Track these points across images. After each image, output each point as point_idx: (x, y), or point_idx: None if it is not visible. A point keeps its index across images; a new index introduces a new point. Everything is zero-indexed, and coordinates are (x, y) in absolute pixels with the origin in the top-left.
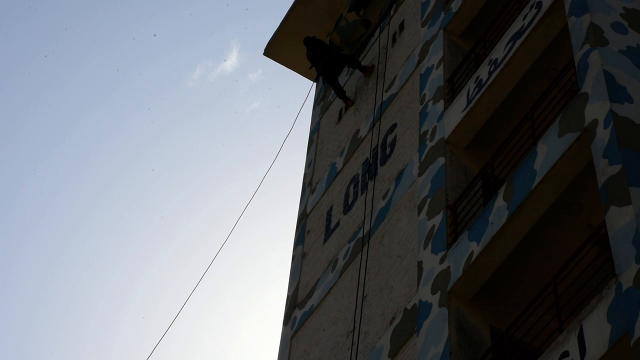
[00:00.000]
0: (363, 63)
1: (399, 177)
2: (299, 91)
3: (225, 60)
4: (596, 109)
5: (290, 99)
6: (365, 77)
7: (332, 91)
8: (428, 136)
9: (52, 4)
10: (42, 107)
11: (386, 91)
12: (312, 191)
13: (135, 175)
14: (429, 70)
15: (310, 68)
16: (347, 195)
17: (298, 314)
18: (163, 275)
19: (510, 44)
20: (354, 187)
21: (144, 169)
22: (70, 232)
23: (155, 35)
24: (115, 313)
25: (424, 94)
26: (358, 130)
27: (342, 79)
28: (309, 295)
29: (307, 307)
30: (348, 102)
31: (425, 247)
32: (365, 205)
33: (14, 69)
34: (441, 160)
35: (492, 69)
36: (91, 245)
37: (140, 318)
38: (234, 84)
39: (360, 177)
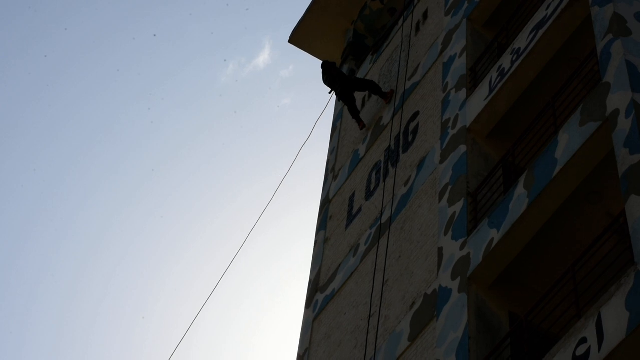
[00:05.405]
0: (385, 53)
1: (420, 165)
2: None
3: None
4: (618, 99)
5: (320, 94)
6: (386, 103)
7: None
8: (450, 124)
9: (53, 3)
10: (45, 109)
11: (409, 79)
12: (335, 177)
13: (158, 174)
14: (451, 59)
15: (329, 93)
16: (369, 181)
17: (320, 297)
18: (190, 267)
19: (533, 33)
20: (376, 174)
21: (170, 167)
22: (99, 234)
23: (155, 35)
24: (142, 307)
25: (447, 83)
26: (381, 118)
27: (365, 66)
28: (331, 279)
29: (328, 291)
30: (360, 125)
31: (445, 234)
32: (385, 191)
33: (14, 69)
34: (463, 148)
35: (514, 58)
36: (121, 244)
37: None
38: (265, 80)
39: (382, 164)
